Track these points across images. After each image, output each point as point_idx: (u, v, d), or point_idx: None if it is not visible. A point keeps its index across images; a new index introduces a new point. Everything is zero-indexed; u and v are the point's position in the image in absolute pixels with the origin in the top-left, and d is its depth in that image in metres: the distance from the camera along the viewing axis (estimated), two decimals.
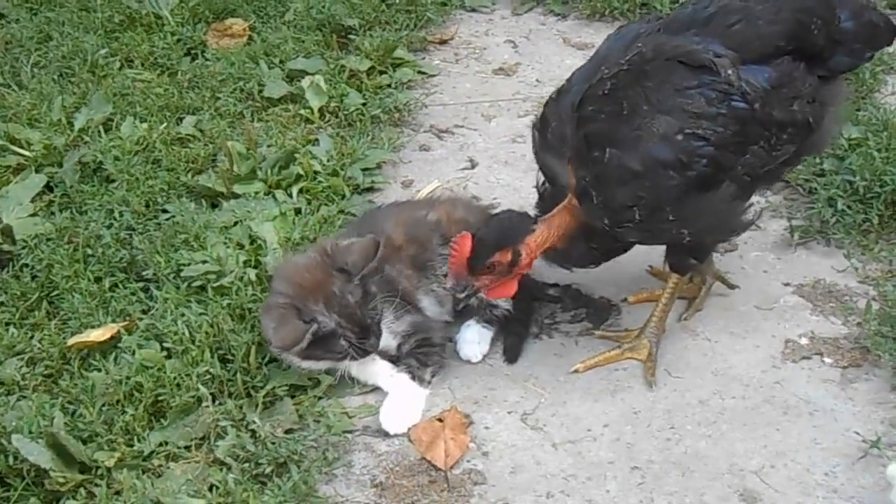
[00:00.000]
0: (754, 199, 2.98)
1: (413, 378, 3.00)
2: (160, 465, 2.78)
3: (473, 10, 5.18)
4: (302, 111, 4.27)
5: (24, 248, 3.50)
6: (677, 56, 2.72)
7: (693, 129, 2.67)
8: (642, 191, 2.69)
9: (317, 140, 4.04)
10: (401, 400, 2.95)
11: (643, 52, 2.77)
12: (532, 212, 2.94)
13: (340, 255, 2.98)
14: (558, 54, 4.74)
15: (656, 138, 2.67)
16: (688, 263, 3.03)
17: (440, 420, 2.90)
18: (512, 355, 3.13)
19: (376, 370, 3.03)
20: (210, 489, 2.68)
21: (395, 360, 3.06)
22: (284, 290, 2.96)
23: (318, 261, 2.99)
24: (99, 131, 4.09)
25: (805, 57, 2.80)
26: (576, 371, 3.07)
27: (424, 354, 3.05)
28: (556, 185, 2.87)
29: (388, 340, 3.04)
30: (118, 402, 2.91)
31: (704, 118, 2.67)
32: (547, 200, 2.93)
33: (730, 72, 2.69)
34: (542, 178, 2.98)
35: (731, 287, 3.32)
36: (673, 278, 3.06)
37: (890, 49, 4.46)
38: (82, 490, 2.71)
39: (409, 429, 2.89)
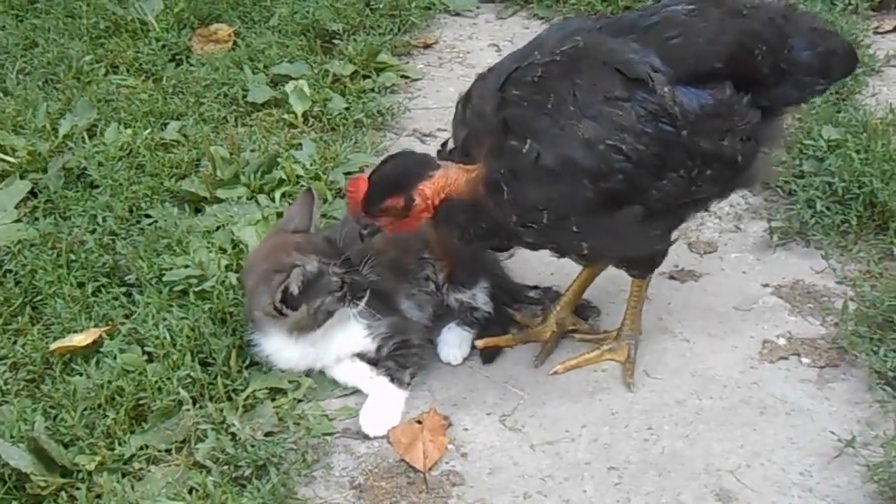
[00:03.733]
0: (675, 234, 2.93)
1: (392, 380, 3.01)
2: (141, 469, 2.79)
3: (457, 15, 5.20)
4: (285, 116, 4.29)
5: (7, 254, 3.52)
6: (614, 62, 2.60)
7: (616, 141, 2.55)
8: (555, 193, 2.59)
9: (300, 144, 4.06)
10: (380, 402, 2.97)
11: (579, 46, 2.65)
12: None
13: (286, 224, 3.11)
14: None
15: (578, 142, 2.55)
16: (636, 272, 3.02)
17: (419, 422, 2.92)
18: (488, 357, 3.15)
19: (356, 372, 3.05)
20: (190, 492, 2.69)
21: (374, 362, 3.08)
22: (256, 270, 3.03)
23: (273, 237, 3.13)
24: (83, 137, 4.11)
25: (748, 86, 2.67)
26: (555, 372, 3.09)
27: (403, 356, 3.06)
28: (468, 158, 2.74)
29: (366, 342, 3.06)
30: (100, 406, 2.93)
31: (629, 132, 2.55)
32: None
33: (665, 89, 2.57)
34: (450, 145, 2.86)
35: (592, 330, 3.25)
36: (636, 281, 3.04)
37: (871, 50, 4.50)
38: (63, 494, 2.71)
39: (389, 430, 2.91)
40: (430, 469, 2.79)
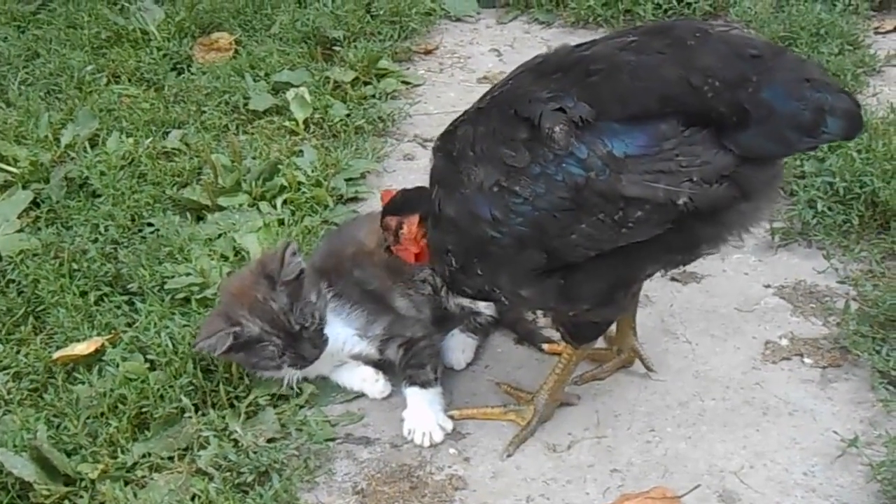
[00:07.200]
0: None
1: (419, 385, 2.97)
2: (143, 476, 2.80)
3: (458, 20, 5.23)
4: (287, 123, 4.32)
5: (10, 264, 3.54)
6: (514, 105, 2.43)
7: (510, 184, 2.41)
8: (455, 237, 2.56)
9: (301, 151, 4.08)
10: (419, 410, 2.93)
11: (506, 89, 2.53)
12: None
13: (268, 262, 3.01)
14: None
15: (473, 188, 2.46)
16: (576, 338, 2.81)
17: None
18: None
19: (358, 376, 3.06)
20: (192, 499, 2.70)
21: (379, 365, 3.08)
22: (221, 300, 3.05)
23: (252, 269, 3.04)
24: (85, 147, 4.14)
25: (706, 124, 2.34)
26: (451, 417, 2.97)
27: (415, 357, 3.02)
28: None
29: (363, 346, 3.06)
30: (102, 414, 2.94)
31: (524, 174, 2.39)
32: None
33: (556, 129, 2.35)
34: None
35: (650, 370, 3.08)
36: (568, 349, 2.85)
37: (871, 50, 4.50)
38: (66, 502, 2.72)
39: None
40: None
